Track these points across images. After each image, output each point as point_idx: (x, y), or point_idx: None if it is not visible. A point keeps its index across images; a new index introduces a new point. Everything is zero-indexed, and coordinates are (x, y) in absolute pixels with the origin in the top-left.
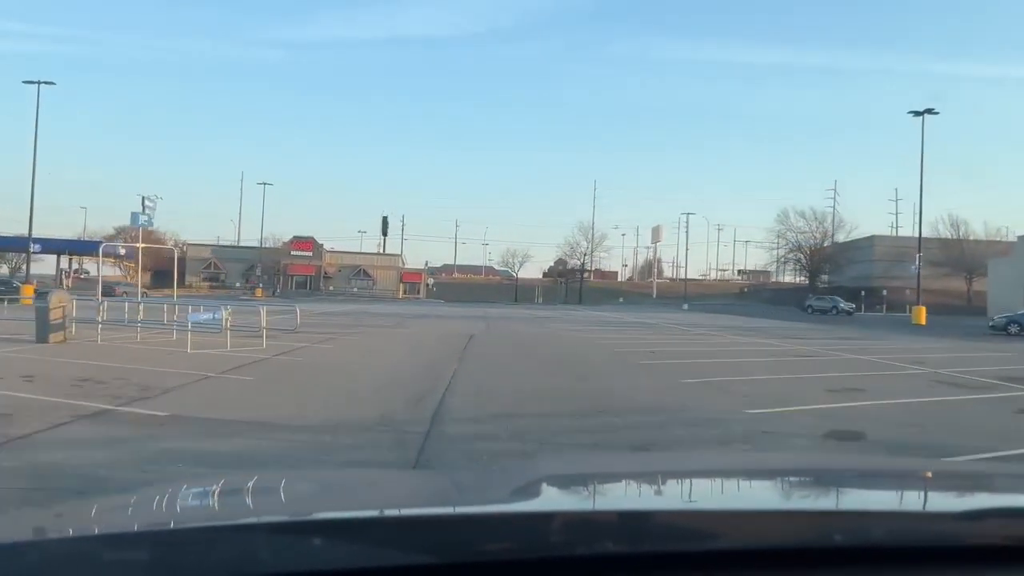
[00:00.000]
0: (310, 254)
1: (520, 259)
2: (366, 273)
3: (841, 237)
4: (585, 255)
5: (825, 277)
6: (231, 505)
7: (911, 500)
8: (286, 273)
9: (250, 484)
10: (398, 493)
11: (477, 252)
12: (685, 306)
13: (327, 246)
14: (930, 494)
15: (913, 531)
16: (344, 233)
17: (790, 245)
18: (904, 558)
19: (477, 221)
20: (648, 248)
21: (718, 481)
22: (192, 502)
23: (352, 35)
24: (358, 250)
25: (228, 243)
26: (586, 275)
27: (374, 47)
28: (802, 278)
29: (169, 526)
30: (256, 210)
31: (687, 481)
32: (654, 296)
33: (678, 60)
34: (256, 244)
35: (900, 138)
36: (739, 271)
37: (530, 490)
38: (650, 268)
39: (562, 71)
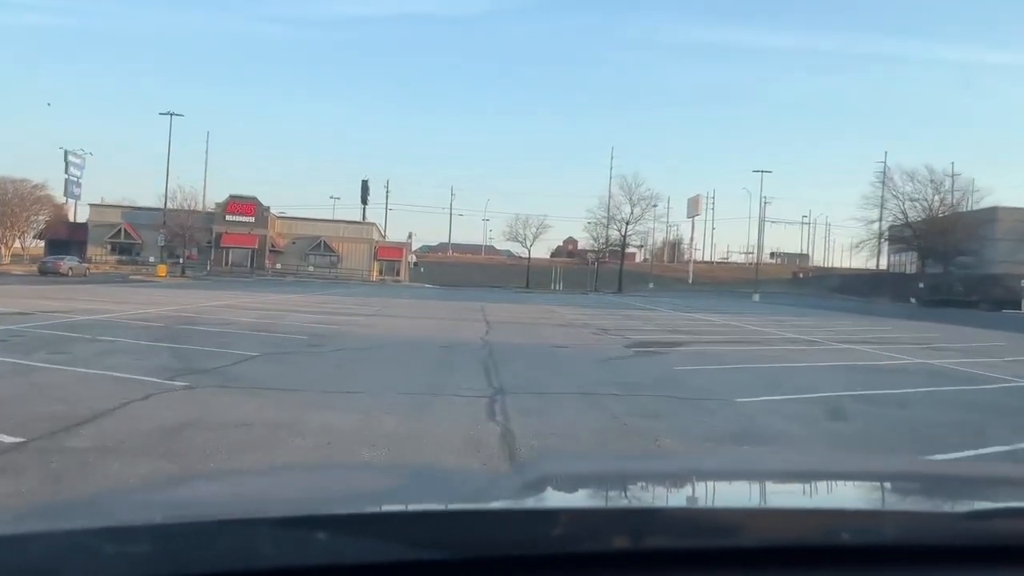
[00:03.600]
0: (252, 220)
1: (535, 230)
2: (328, 246)
3: (964, 206)
4: (628, 223)
5: (963, 259)
6: (234, 499)
7: (918, 500)
8: (219, 245)
9: (253, 478)
10: (402, 489)
11: (476, 231)
12: (756, 297)
13: (276, 211)
14: (937, 494)
15: (920, 530)
16: (323, 202)
17: (893, 217)
18: (911, 558)
19: (477, 191)
20: (673, 227)
21: (722, 480)
22: (195, 495)
23: (359, 12)
24: (326, 218)
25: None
26: (606, 255)
27: (376, 23)
28: (894, 260)
29: (172, 519)
30: (223, 174)
31: (692, 480)
32: (690, 281)
33: (678, 43)
34: (213, 208)
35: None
36: (771, 253)
37: (534, 487)
38: (673, 249)
39: (573, 50)
